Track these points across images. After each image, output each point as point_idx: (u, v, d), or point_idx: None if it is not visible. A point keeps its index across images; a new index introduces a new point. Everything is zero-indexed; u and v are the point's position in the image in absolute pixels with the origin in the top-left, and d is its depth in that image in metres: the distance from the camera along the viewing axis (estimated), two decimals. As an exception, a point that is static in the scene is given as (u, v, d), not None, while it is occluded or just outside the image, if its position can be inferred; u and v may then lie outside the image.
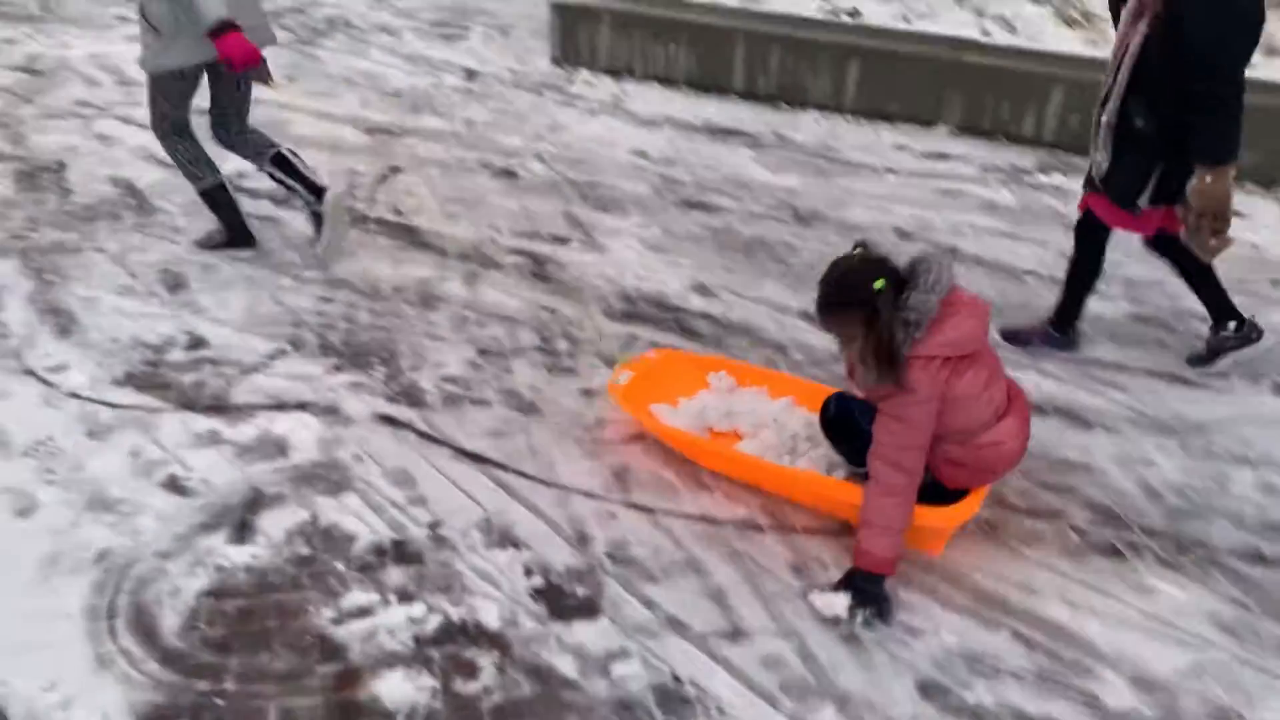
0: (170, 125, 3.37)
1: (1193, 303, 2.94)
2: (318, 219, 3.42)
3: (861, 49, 4.89)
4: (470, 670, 1.89)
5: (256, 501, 2.35)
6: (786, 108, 4.97)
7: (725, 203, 4.00)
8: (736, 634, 2.00)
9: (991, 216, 3.91)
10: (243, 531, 2.23)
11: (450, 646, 1.94)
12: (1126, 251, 3.08)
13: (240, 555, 2.15)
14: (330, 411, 2.68)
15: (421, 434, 2.58)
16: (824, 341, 2.83)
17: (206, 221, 3.57)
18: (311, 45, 5.83)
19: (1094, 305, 3.01)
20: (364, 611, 2.01)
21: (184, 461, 2.46)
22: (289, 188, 3.45)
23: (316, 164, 4.10)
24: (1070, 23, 4.79)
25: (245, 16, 3.09)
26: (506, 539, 2.22)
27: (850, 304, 2.07)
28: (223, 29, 2.95)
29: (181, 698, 1.82)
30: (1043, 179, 4.26)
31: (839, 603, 2.04)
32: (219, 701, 1.82)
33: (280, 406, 2.69)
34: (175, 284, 3.29)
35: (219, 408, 2.67)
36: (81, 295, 3.18)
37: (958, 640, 1.99)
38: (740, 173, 4.29)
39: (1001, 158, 4.45)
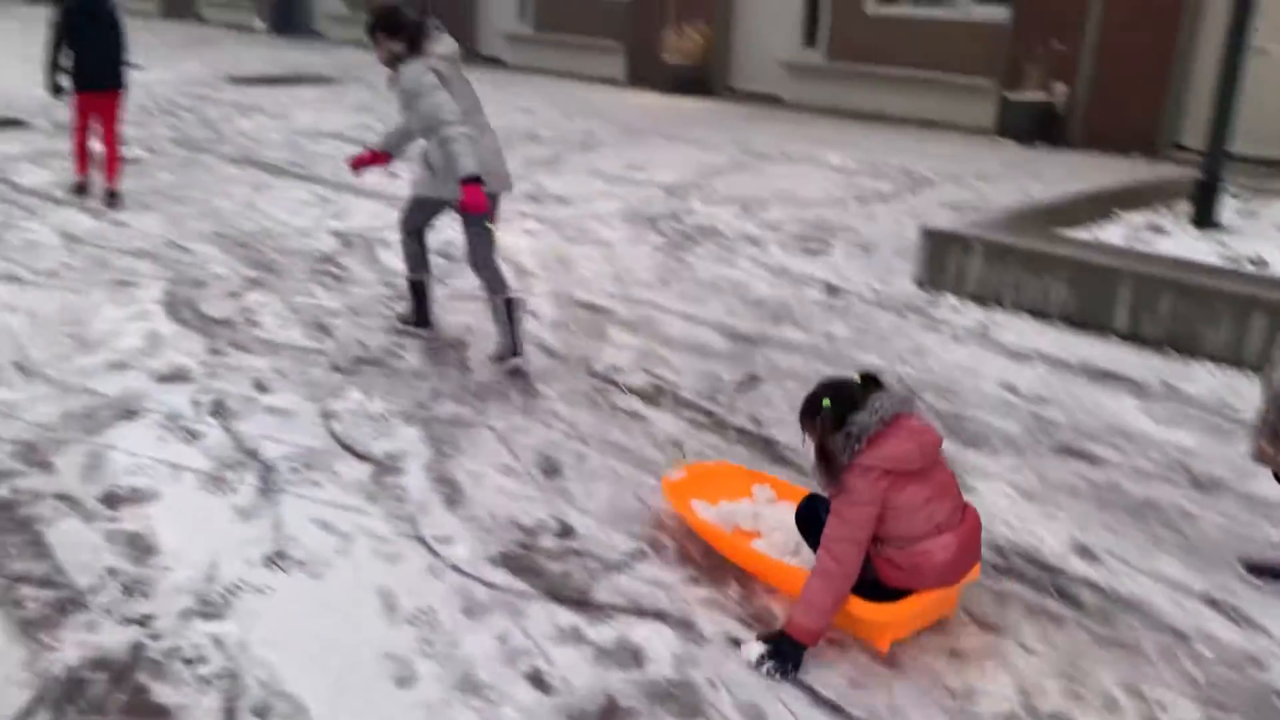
0: (408, 226, 4.63)
1: None
2: (500, 360, 4.33)
3: (1268, 301, 4.47)
4: None
5: (611, 712, 2.33)
6: (1176, 355, 4.60)
7: (1107, 454, 3.70)
8: None
9: None
10: (599, 745, 2.21)
11: None
12: None
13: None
14: (685, 625, 2.66)
15: (779, 670, 2.48)
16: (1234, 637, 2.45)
17: (585, 411, 3.78)
18: (683, 251, 6.19)
19: None
20: None
21: (547, 655, 2.51)
22: (501, 324, 4.34)
23: (681, 366, 4.28)
24: None
25: (492, 164, 4.26)
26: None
27: (806, 414, 2.66)
28: (469, 180, 3.97)
29: None
30: None
31: (755, 650, 2.51)
32: None
33: (638, 612, 2.70)
34: (550, 468, 3.47)
35: (582, 603, 2.73)
36: (469, 469, 3.43)
37: None
38: (1123, 421, 3.97)
39: None
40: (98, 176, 6.92)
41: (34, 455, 3.42)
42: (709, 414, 3.96)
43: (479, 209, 4.06)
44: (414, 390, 4.05)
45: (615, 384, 4.18)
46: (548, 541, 3.02)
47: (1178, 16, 9.03)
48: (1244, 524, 3.23)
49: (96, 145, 6.88)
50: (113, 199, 6.78)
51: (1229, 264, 4.92)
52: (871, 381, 2.63)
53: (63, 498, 3.16)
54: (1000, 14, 10.37)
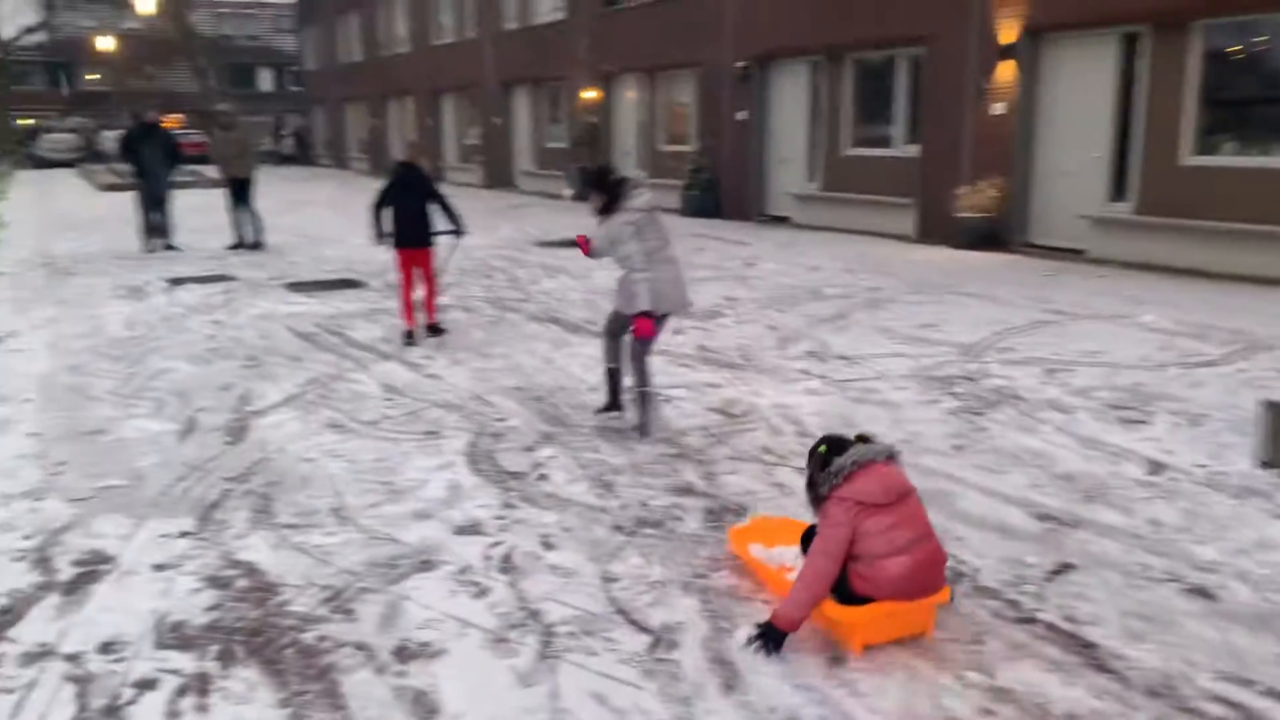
0: (608, 330, 5.74)
1: None
2: (639, 432, 5.52)
3: None
4: None
5: None
6: None
7: None
8: None
9: None
10: None
11: None
12: None
13: None
14: None
15: None
16: None
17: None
18: (979, 416, 5.82)
19: None
20: None
21: None
22: (640, 409, 5.57)
23: (982, 546, 3.93)
24: None
25: (668, 292, 5.44)
26: None
27: (809, 456, 3.51)
28: (641, 314, 5.28)
29: None
30: None
31: (745, 634, 3.27)
32: None
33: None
34: (836, 656, 3.23)
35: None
36: (745, 654, 3.25)
37: None
38: None
39: None
40: (420, 318, 8.18)
41: (340, 602, 3.61)
42: (1014, 604, 3.57)
43: (643, 335, 5.38)
44: (692, 557, 3.97)
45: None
46: (830, 741, 2.78)
47: None
48: None
49: (420, 292, 8.13)
50: (434, 332, 8.11)
51: None
52: (861, 439, 3.49)
53: (360, 648, 3.29)
54: (1346, 159, 9.34)
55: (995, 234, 12.75)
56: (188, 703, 2.99)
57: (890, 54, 14.73)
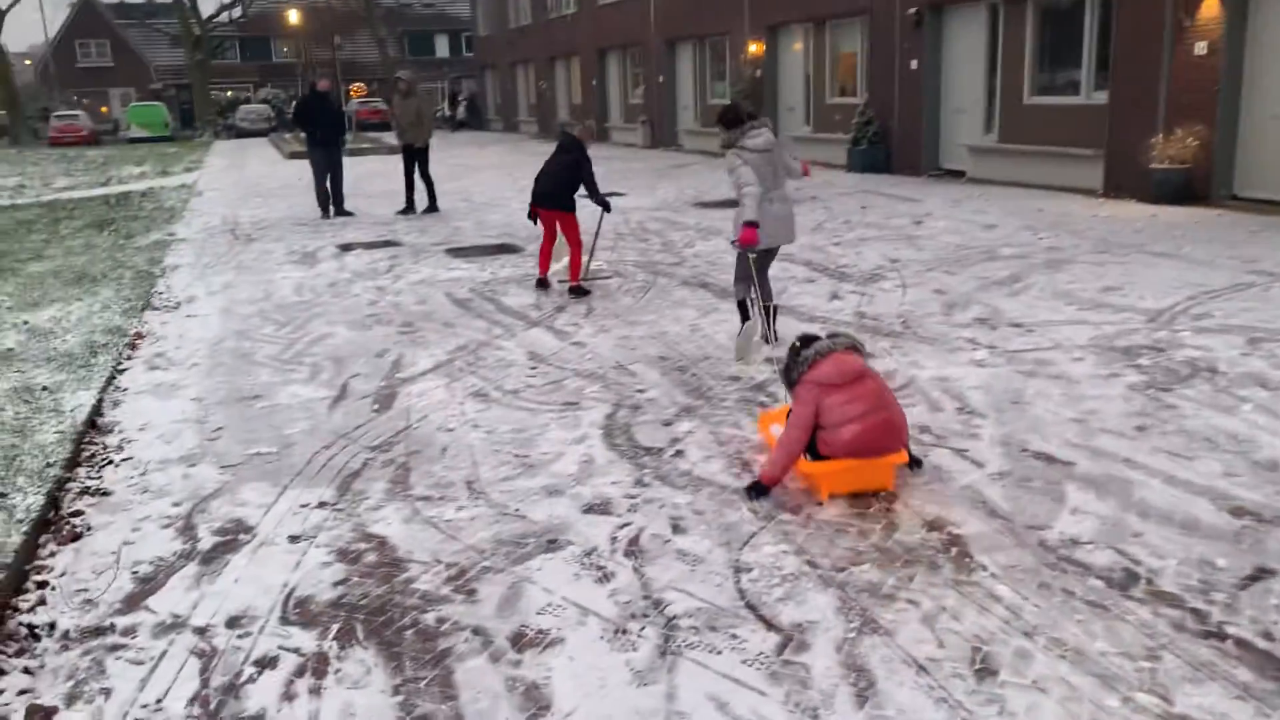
0: (740, 273, 6.40)
1: None
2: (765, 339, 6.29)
3: None
4: None
5: None
6: None
7: None
8: None
9: None
10: None
11: None
12: None
13: None
14: None
15: None
16: None
17: (1034, 595, 3.17)
18: (1167, 392, 5.24)
19: None
20: None
21: None
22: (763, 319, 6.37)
23: (1163, 544, 3.49)
24: None
25: (771, 226, 6.16)
26: None
27: (786, 353, 4.42)
28: (746, 224, 5.90)
29: None
30: None
31: (743, 492, 4.17)
32: None
33: None
34: (984, 667, 2.90)
35: None
36: (885, 655, 2.98)
37: None
38: None
39: None
40: (561, 272, 8.85)
41: (463, 581, 3.53)
42: (1199, 615, 3.14)
43: (746, 243, 5.96)
44: (832, 546, 3.69)
45: (1075, 563, 3.49)
46: (973, 769, 2.48)
47: None
48: None
49: (564, 252, 8.76)
50: (575, 293, 8.36)
51: None
52: (832, 335, 4.32)
53: (478, 632, 3.20)
54: None
55: (1193, 187, 11.63)
56: (303, 684, 2.96)
57: (1078, -8, 13.60)
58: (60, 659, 3.16)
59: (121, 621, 3.37)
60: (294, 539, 3.95)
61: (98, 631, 3.31)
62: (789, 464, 4.11)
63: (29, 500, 4.24)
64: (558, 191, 8.43)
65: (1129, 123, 12.49)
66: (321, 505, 4.28)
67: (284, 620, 3.34)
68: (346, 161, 15.53)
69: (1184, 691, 2.77)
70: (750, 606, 3.28)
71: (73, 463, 4.83)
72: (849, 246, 10.19)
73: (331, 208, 14.51)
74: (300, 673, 3.03)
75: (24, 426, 5.26)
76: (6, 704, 2.93)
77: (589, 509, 4.10)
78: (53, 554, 3.91)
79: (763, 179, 6.07)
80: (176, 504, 4.35)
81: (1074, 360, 5.89)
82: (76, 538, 4.03)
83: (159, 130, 44.50)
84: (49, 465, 4.67)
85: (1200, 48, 11.50)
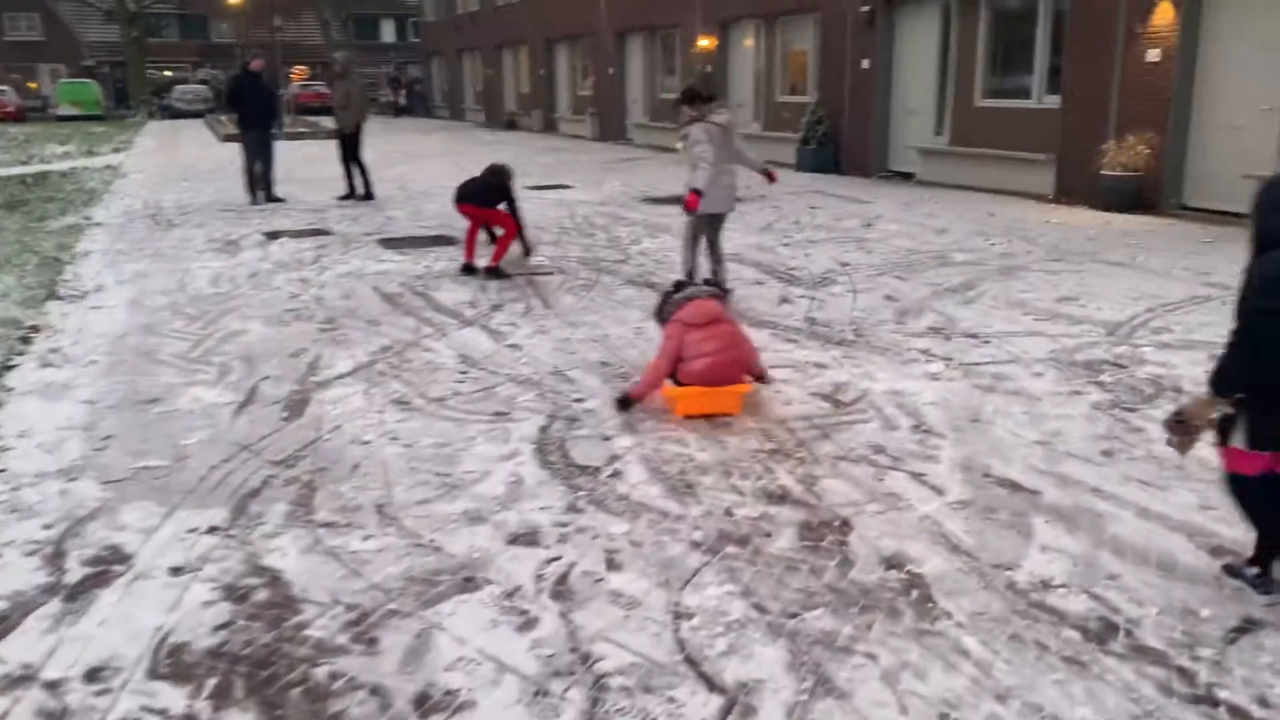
0: (689, 236, 7.42)
1: None
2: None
3: None
4: None
5: None
6: None
7: None
8: None
9: None
10: None
11: None
12: None
13: None
14: None
15: None
16: None
17: (1004, 648, 2.82)
18: (1133, 412, 4.97)
19: None
20: None
21: None
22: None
23: (1141, 589, 3.17)
24: None
25: (715, 194, 7.05)
26: None
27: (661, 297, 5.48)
28: (691, 190, 6.88)
29: None
30: None
31: (614, 403, 5.09)
32: None
33: None
34: (951, 742, 2.55)
35: None
36: (842, 724, 2.61)
37: None
38: None
39: None
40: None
41: (364, 628, 3.10)
42: (1187, 675, 2.82)
43: (689, 208, 6.99)
44: (781, 587, 3.32)
45: (1046, 609, 3.16)
46: None
47: None
48: None
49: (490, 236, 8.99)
50: (489, 274, 8.49)
51: None
52: (698, 284, 6.00)
53: (376, 692, 2.77)
54: None
55: (1144, 195, 11.52)
56: (163, 759, 2.52)
57: (1032, -6, 13.45)
58: (-124, 723, 2.68)
59: (-41, 674, 2.88)
60: (175, 571, 3.48)
61: (-72, 687, 2.82)
62: (654, 384, 5.04)
63: None
64: (483, 195, 8.69)
65: (1081, 128, 12.36)
66: (212, 531, 3.81)
67: (152, 673, 2.88)
68: (283, 146, 14.91)
69: None
70: (690, 661, 2.90)
71: (-66, 475, 4.30)
72: (798, 248, 9.88)
73: (261, 193, 13.86)
74: (161, 743, 2.58)
75: (-116, 432, 4.71)
76: None
77: (514, 539, 3.69)
78: (-108, 587, 3.40)
79: (717, 153, 7.02)
80: (47, 526, 3.85)
81: (1034, 375, 5.60)
82: (-77, 567, 3.52)
83: (90, 108, 42.94)
84: (-96, 479, 4.14)
85: (1152, 54, 11.39)
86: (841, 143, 16.95)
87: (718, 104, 7.27)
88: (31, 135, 29.96)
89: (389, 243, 10.50)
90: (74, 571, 3.49)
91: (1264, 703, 2.71)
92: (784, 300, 7.63)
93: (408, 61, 54.71)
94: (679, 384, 4.98)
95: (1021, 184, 13.42)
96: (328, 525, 3.83)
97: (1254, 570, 3.25)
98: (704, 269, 7.64)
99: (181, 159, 21.70)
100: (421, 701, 2.73)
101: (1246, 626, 3.06)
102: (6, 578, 3.46)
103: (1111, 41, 11.83)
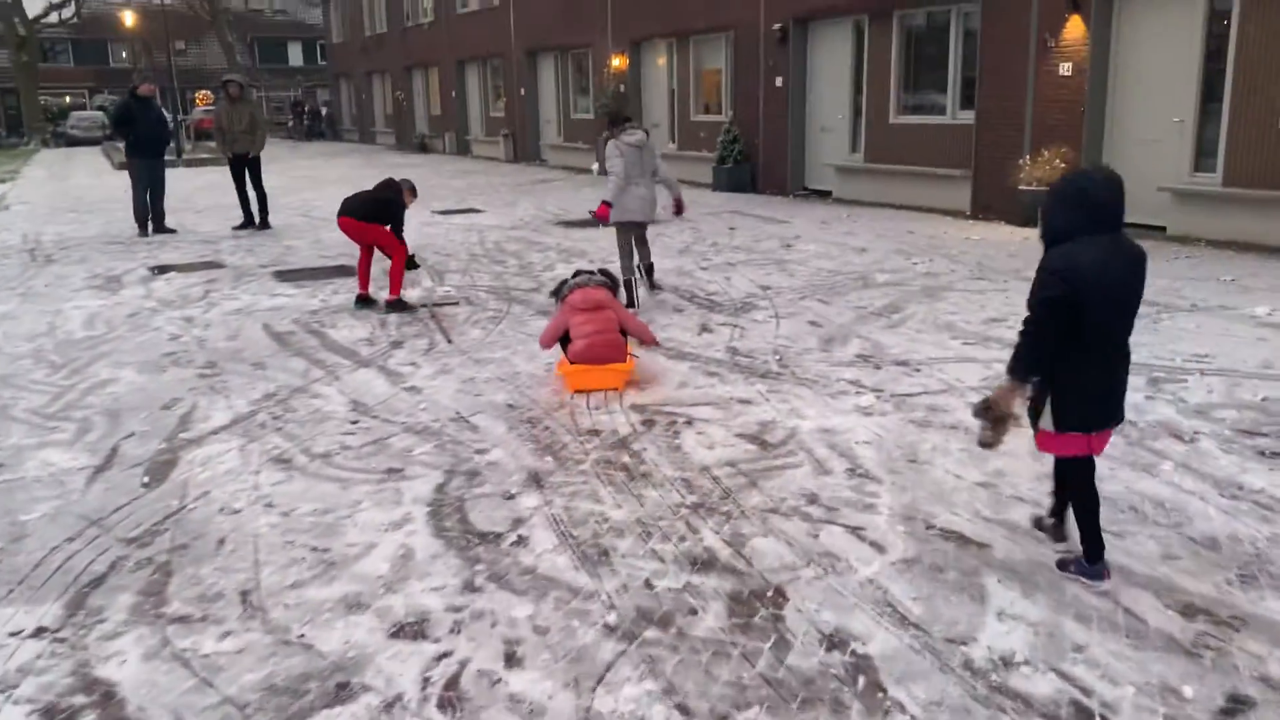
0: (621, 246, 7.92)
1: None
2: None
3: None
4: None
5: None
6: None
7: None
8: None
9: None
10: None
11: None
12: None
13: None
14: None
15: None
16: None
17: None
18: (1077, 446, 4.64)
19: None
20: None
21: None
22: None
23: (1111, 664, 2.79)
24: None
25: (632, 205, 7.73)
26: None
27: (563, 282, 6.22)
28: (603, 203, 7.63)
29: None
30: None
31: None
32: None
33: None
34: None
35: None
36: None
37: None
38: None
39: None
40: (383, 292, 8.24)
41: (208, 759, 2.56)
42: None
43: (599, 217, 7.65)
44: (709, 680, 2.86)
45: (1005, 693, 2.76)
46: None
47: None
48: None
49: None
50: (391, 308, 7.96)
51: None
52: (591, 273, 6.20)
53: None
54: None
55: (1062, 209, 11.42)
56: None
57: (942, 9, 13.37)
58: None
59: None
60: (-16, 692, 2.89)
61: None
62: (547, 342, 5.93)
63: None
64: (365, 209, 8.01)
65: (995, 143, 12.27)
66: (40, 633, 3.22)
67: (-71, 842, 2.31)
68: (182, 172, 14.12)
69: None
70: (603, 789, 2.43)
71: None
72: (718, 271, 9.51)
73: (151, 224, 13.05)
74: None
75: None
76: None
77: (398, 631, 3.17)
78: None
79: (630, 168, 7.69)
80: None
81: (968, 405, 5.25)
82: None
83: (-24, 137, 40.92)
84: None
85: (1065, 68, 11.34)
86: (758, 161, 16.73)
87: (631, 125, 7.90)
88: (-91, 166, 28.30)
89: (285, 275, 9.86)
90: None
91: (1268, 806, 2.34)
92: (704, 329, 7.23)
93: (315, 85, 53.52)
94: (571, 363, 5.70)
95: (939, 200, 13.31)
96: (180, 620, 3.26)
97: (1052, 520, 3.64)
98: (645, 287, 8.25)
99: (71, 189, 20.58)
100: None
101: (1235, 707, 2.70)
102: None
103: (1024, 56, 11.76)
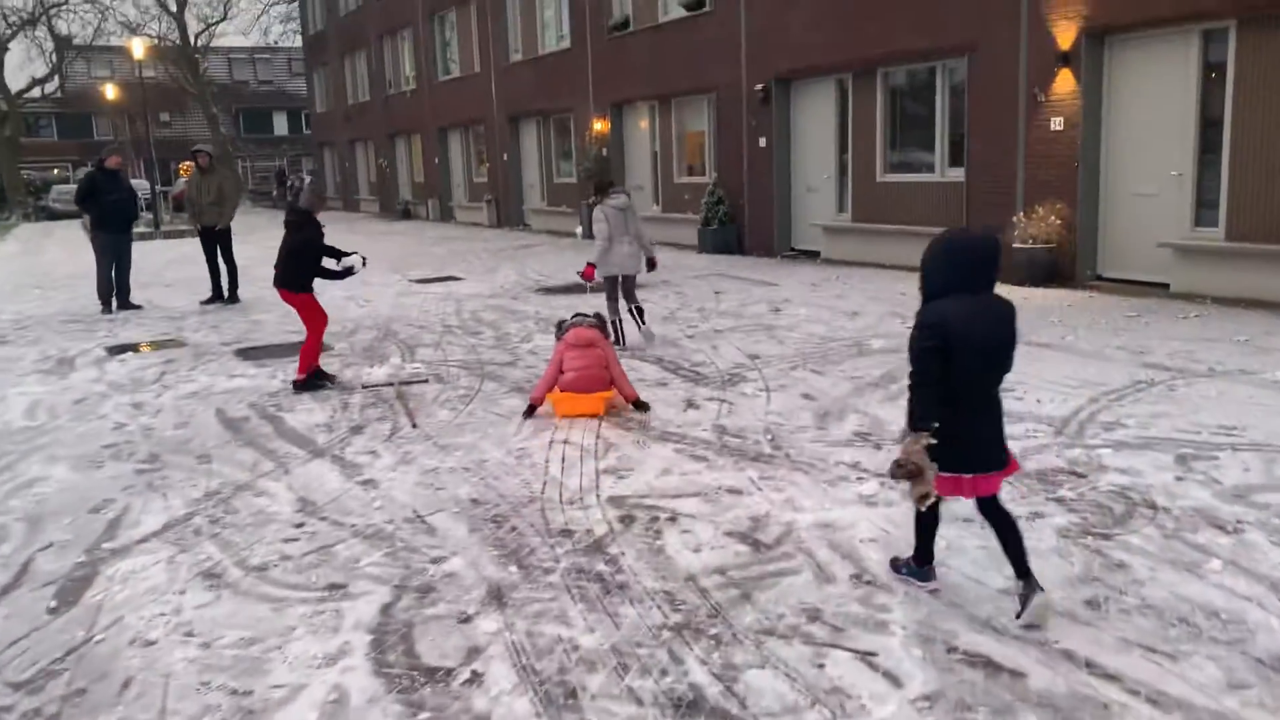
0: (608, 294, 8.77)
1: None
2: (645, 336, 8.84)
3: None
4: None
5: None
6: None
7: None
8: None
9: None
10: None
11: None
12: None
13: None
14: None
15: None
16: None
17: None
18: (1108, 540, 4.14)
19: None
20: None
21: None
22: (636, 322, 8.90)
23: None
24: None
25: (618, 261, 8.65)
26: None
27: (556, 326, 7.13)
28: (589, 265, 8.78)
29: None
30: None
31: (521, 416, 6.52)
32: None
33: None
34: None
35: None
36: None
37: None
38: None
39: None
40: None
41: None
42: None
43: (585, 277, 8.81)
44: None
45: None
46: None
47: None
48: None
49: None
50: (297, 388, 7.53)
51: None
52: (586, 315, 6.92)
53: None
54: None
55: (1058, 267, 11.06)
56: None
57: (927, 65, 13.12)
58: None
59: None
60: None
61: None
62: (545, 389, 6.52)
63: None
64: (286, 272, 7.63)
65: (987, 201, 11.93)
66: (-119, 821, 2.64)
67: None
68: (158, 245, 13.73)
69: None
70: None
71: None
72: (704, 340, 9.04)
73: (116, 301, 12.57)
74: None
75: None
76: None
77: (316, 810, 2.61)
78: None
79: (615, 229, 8.63)
80: None
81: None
82: None
83: (-44, 212, 40.63)
84: None
85: (1056, 123, 11.03)
86: (743, 223, 16.40)
87: (615, 190, 8.85)
88: (-117, 243, 27.86)
89: (248, 353, 9.35)
90: None
91: None
92: (690, 404, 6.73)
93: (300, 154, 53.59)
94: (561, 392, 6.49)
95: (931, 259, 12.89)
96: (53, 801, 2.69)
97: (917, 564, 3.75)
98: (634, 331, 8.88)
99: (43, 264, 20.15)
100: None
101: None
102: None
103: (1013, 111, 11.47)
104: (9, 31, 46.06)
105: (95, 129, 56.83)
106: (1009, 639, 3.36)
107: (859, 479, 5.04)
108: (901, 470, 3.39)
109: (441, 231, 24.77)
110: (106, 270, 12.57)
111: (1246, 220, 9.56)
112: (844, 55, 13.93)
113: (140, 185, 34.48)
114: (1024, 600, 3.41)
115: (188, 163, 46.80)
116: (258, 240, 18.68)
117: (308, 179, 45.50)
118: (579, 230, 20.45)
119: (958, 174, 12.64)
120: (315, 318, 7.66)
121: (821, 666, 3.22)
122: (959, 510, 4.53)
